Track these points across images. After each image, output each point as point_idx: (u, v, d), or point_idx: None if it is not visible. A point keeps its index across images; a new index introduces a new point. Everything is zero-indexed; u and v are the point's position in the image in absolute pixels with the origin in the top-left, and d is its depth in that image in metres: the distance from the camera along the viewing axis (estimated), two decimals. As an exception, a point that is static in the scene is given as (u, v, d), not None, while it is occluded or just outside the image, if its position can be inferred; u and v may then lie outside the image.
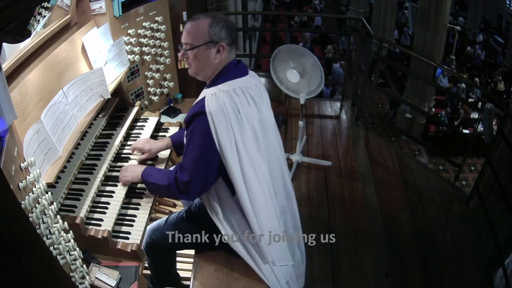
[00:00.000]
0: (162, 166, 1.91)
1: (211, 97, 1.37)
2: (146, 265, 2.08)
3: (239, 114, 1.37)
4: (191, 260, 1.83)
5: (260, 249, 1.49)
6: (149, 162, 1.91)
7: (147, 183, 1.63)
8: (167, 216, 1.79)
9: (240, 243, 1.52)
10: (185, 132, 1.48)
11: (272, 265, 1.54)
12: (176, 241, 1.67)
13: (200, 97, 1.42)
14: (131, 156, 1.90)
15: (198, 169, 1.41)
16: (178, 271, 1.96)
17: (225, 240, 1.52)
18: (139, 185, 1.85)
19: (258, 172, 1.44)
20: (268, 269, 1.54)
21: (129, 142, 2.01)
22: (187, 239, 1.68)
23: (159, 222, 1.76)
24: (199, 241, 1.66)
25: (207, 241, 1.63)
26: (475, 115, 7.33)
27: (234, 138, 1.37)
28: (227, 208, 1.51)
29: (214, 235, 1.56)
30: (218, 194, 1.51)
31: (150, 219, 1.77)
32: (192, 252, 1.81)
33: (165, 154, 1.95)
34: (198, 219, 1.66)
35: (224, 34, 1.42)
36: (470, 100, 8.08)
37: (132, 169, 1.70)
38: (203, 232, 1.63)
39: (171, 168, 1.96)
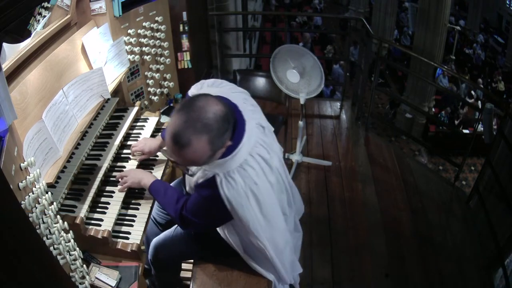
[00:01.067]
0: (162, 166, 1.91)
1: (224, 181, 1.22)
2: (146, 266, 2.09)
3: (256, 185, 1.25)
4: (191, 260, 1.83)
5: (276, 271, 1.51)
6: (149, 162, 1.91)
7: (153, 197, 1.62)
8: (173, 229, 1.73)
9: (254, 262, 1.53)
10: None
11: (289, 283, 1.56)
12: (180, 255, 1.69)
13: (209, 170, 1.25)
14: (131, 156, 1.90)
15: (203, 224, 1.40)
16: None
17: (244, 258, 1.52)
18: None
19: (276, 226, 1.40)
20: (268, 266, 1.54)
21: (129, 142, 2.01)
22: (192, 252, 1.68)
23: (166, 238, 1.71)
24: (204, 255, 1.66)
25: (213, 254, 1.64)
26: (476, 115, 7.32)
27: (255, 214, 1.29)
28: (244, 240, 1.47)
29: (220, 248, 1.54)
30: (230, 232, 1.47)
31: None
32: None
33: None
34: (207, 234, 1.62)
35: (221, 142, 1.15)
36: (471, 100, 8.07)
37: (136, 174, 1.68)
38: (209, 245, 1.61)
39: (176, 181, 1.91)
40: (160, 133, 1.98)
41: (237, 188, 1.22)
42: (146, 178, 1.65)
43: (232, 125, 1.18)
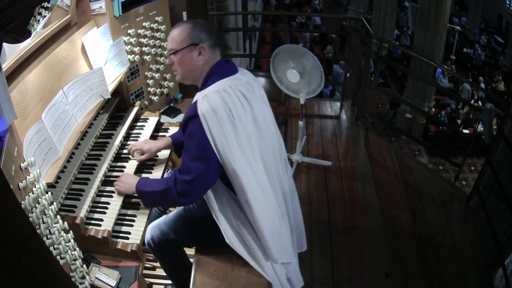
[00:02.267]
0: (162, 166, 1.91)
1: (202, 99, 1.39)
2: (147, 265, 2.09)
3: (230, 112, 1.39)
4: (191, 260, 1.83)
5: (262, 246, 1.50)
6: (149, 162, 1.91)
7: (143, 193, 1.60)
8: (166, 214, 1.78)
9: (240, 241, 1.52)
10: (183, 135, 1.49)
11: (273, 263, 1.53)
12: (176, 237, 1.67)
13: (193, 100, 1.44)
14: (131, 157, 1.90)
15: (197, 170, 1.41)
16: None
17: (225, 238, 1.52)
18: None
19: (255, 169, 1.44)
20: (269, 267, 1.54)
21: (129, 142, 2.01)
22: (187, 235, 1.68)
23: (159, 220, 1.75)
24: (198, 238, 1.66)
25: (207, 238, 1.63)
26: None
27: (228, 137, 1.38)
28: (227, 206, 1.51)
29: (213, 232, 1.55)
30: (217, 193, 1.51)
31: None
32: (192, 251, 1.81)
33: (165, 154, 1.95)
34: (198, 215, 1.66)
35: (205, 36, 1.48)
36: (472, 100, 8.07)
37: (127, 179, 1.68)
38: (202, 228, 1.63)
39: (168, 172, 1.96)
40: (166, 135, 2.00)
41: (212, 104, 1.37)
42: (134, 181, 1.64)
43: (214, 41, 1.50)
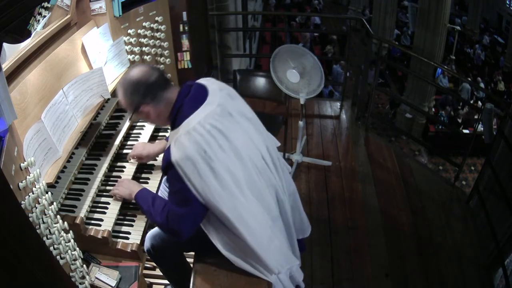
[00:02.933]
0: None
1: (174, 145, 1.33)
2: (147, 265, 2.09)
3: (206, 154, 1.31)
4: (191, 260, 1.83)
5: (262, 263, 1.48)
6: (150, 162, 1.91)
7: (140, 206, 1.59)
8: None
9: (239, 258, 1.49)
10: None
11: (278, 274, 1.52)
12: (176, 245, 1.67)
13: (169, 143, 1.39)
14: (130, 160, 1.89)
15: (184, 216, 1.39)
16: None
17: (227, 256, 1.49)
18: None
19: (243, 202, 1.39)
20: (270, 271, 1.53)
21: (129, 142, 2.01)
22: (187, 243, 1.67)
23: (158, 229, 1.73)
24: (198, 245, 1.65)
25: (207, 244, 1.63)
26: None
27: (208, 181, 1.32)
28: (219, 230, 1.47)
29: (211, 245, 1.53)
30: (208, 219, 1.46)
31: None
32: (192, 252, 1.81)
33: None
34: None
35: (137, 98, 1.41)
36: (472, 101, 8.08)
37: (128, 185, 1.67)
38: (201, 235, 1.61)
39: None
40: (166, 135, 1.99)
41: (184, 151, 1.31)
42: (135, 189, 1.63)
43: (153, 94, 1.41)
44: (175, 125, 1.40)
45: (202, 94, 1.43)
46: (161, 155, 1.91)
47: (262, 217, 1.46)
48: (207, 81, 1.51)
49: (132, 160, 1.88)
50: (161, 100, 1.42)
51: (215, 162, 1.32)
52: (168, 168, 1.35)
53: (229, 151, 1.36)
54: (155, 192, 1.81)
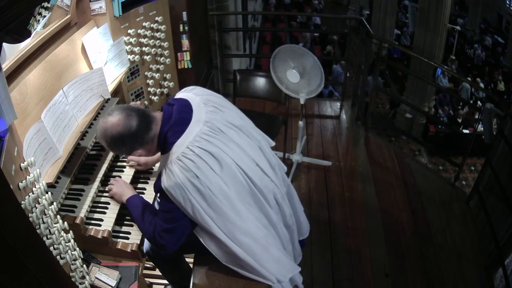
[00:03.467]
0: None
1: (165, 174, 1.33)
2: (147, 265, 2.09)
3: (198, 179, 1.30)
4: (191, 260, 1.83)
5: (259, 273, 1.47)
6: (147, 172, 1.91)
7: (130, 213, 1.60)
8: None
9: (239, 269, 1.49)
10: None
11: (280, 284, 1.52)
12: (180, 251, 1.67)
13: (160, 167, 1.40)
14: (127, 165, 1.88)
15: (171, 232, 1.39)
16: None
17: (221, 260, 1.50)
18: (138, 185, 1.85)
19: (236, 221, 1.38)
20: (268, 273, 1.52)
21: (129, 142, 2.01)
22: (185, 245, 1.68)
23: None
24: (196, 247, 1.65)
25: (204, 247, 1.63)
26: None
27: (199, 206, 1.32)
28: (216, 244, 1.46)
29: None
30: (202, 237, 1.46)
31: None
32: (191, 254, 1.81)
33: None
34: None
35: (126, 149, 1.38)
36: (471, 101, 8.07)
37: (121, 188, 1.67)
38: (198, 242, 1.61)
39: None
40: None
41: (174, 179, 1.29)
42: (127, 194, 1.64)
43: (135, 139, 1.34)
44: (164, 152, 1.38)
45: (186, 115, 1.38)
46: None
47: (256, 230, 1.44)
48: (190, 94, 1.47)
49: (131, 163, 1.88)
50: (148, 140, 1.37)
51: (206, 187, 1.31)
52: (159, 192, 1.37)
53: (220, 172, 1.34)
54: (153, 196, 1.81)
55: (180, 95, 1.50)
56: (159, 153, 1.80)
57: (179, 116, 1.38)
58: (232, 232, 1.38)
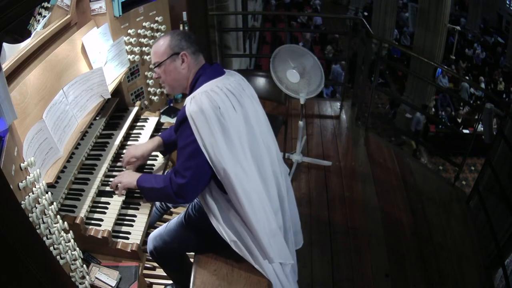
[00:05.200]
0: (161, 168, 1.91)
1: (190, 101, 1.41)
2: (147, 265, 2.09)
3: (219, 110, 1.38)
4: (191, 260, 1.83)
5: (260, 247, 1.50)
6: (149, 162, 1.91)
7: (143, 189, 1.61)
8: (167, 222, 1.79)
9: (241, 243, 1.52)
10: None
11: (270, 262, 1.53)
12: (179, 246, 1.68)
13: (184, 104, 1.46)
14: (126, 167, 1.85)
15: (189, 171, 1.42)
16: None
17: (226, 241, 1.52)
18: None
19: (246, 169, 1.44)
20: (269, 267, 1.54)
21: (129, 142, 2.01)
22: (190, 244, 1.68)
23: (160, 229, 1.76)
24: (201, 245, 1.67)
25: (209, 243, 1.63)
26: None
27: (216, 136, 1.38)
28: (224, 208, 1.51)
29: (215, 237, 1.55)
30: (213, 196, 1.51)
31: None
32: (192, 252, 1.81)
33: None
34: (198, 223, 1.66)
35: (185, 44, 1.52)
36: (471, 101, 8.08)
37: (129, 176, 1.68)
38: (204, 235, 1.62)
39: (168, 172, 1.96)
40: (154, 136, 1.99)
41: (199, 104, 1.38)
42: (136, 176, 1.65)
43: (195, 47, 1.55)
44: (192, 89, 1.50)
45: (220, 71, 1.55)
46: (161, 157, 1.91)
47: (260, 189, 1.49)
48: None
49: (127, 160, 1.86)
50: (197, 59, 1.54)
51: (226, 121, 1.39)
52: (182, 122, 1.42)
53: (240, 114, 1.44)
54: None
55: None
56: (153, 143, 1.82)
57: (215, 69, 1.55)
58: (241, 178, 1.42)
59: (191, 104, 1.39)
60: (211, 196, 1.51)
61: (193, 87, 1.51)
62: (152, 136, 2.08)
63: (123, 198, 1.69)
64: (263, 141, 1.54)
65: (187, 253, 1.88)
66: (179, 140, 1.46)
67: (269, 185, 1.54)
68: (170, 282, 2.01)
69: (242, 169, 1.43)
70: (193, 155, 1.41)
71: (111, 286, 1.45)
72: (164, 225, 1.78)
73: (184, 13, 2.69)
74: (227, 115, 1.40)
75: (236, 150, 1.41)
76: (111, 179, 1.76)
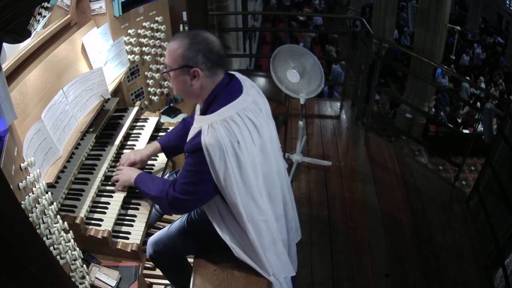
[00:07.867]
0: (161, 169, 1.90)
1: (208, 130, 1.30)
2: (147, 265, 2.09)
3: (238, 145, 1.31)
4: (191, 260, 1.83)
5: (264, 267, 1.51)
6: (149, 162, 1.91)
7: (139, 189, 1.61)
8: (168, 226, 1.77)
9: (244, 253, 1.51)
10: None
11: (274, 277, 1.54)
12: (180, 249, 1.69)
13: (197, 126, 1.36)
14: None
15: (191, 194, 1.39)
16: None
17: (229, 246, 1.51)
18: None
19: (258, 200, 1.41)
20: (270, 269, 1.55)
21: (129, 142, 2.01)
22: (191, 247, 1.69)
23: (161, 233, 1.75)
24: (202, 248, 1.67)
25: (210, 247, 1.64)
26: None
27: (233, 171, 1.32)
28: (229, 219, 1.49)
29: (217, 241, 1.54)
30: (218, 206, 1.48)
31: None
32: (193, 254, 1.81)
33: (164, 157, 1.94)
34: (200, 228, 1.65)
35: (201, 59, 1.32)
36: (471, 101, 8.07)
37: (127, 174, 1.67)
38: (206, 239, 1.62)
39: (167, 176, 1.94)
40: (162, 135, 1.98)
41: (216, 136, 1.28)
42: (134, 175, 1.64)
43: (213, 63, 1.34)
44: (208, 111, 1.36)
45: (238, 88, 1.42)
46: (163, 157, 1.90)
47: (270, 218, 1.48)
48: (239, 75, 1.52)
49: (127, 162, 1.84)
50: (213, 76, 1.37)
51: (244, 155, 1.32)
52: (196, 150, 1.32)
53: (258, 145, 1.38)
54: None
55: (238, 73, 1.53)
56: (151, 148, 1.80)
57: (234, 87, 1.41)
58: (251, 211, 1.40)
59: (208, 135, 1.29)
60: (216, 206, 1.48)
61: (208, 105, 1.38)
62: (152, 136, 2.08)
63: (124, 194, 1.69)
64: (275, 162, 1.50)
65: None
66: (188, 158, 1.39)
67: (277, 201, 1.53)
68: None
69: (254, 202, 1.39)
70: (199, 182, 1.37)
71: (111, 286, 1.45)
72: (165, 229, 1.76)
73: (184, 13, 2.69)
74: (245, 149, 1.33)
75: (251, 184, 1.37)
76: (111, 179, 1.77)
